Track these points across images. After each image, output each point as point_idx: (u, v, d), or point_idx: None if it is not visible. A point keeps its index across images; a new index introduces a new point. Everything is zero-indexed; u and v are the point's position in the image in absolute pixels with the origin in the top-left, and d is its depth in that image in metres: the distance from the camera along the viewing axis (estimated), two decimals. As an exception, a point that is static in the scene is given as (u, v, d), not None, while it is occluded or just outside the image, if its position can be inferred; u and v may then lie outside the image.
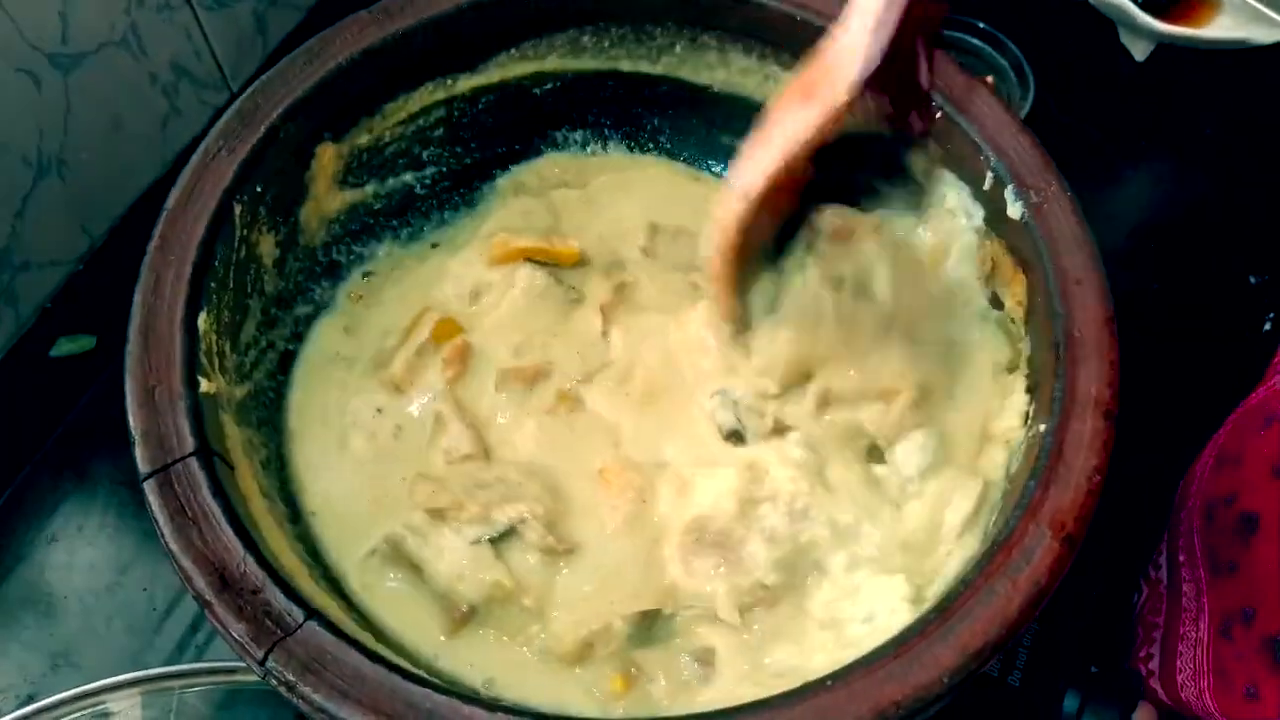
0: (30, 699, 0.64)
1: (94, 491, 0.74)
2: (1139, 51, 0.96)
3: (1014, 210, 0.58)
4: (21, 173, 0.73)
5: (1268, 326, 0.82)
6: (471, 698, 0.45)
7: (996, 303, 0.62)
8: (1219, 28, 0.93)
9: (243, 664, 0.46)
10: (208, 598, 0.46)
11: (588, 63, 0.70)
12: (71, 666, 0.68)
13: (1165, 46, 0.95)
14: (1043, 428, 0.52)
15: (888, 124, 0.58)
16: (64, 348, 0.78)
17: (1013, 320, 0.60)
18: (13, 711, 0.61)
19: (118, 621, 0.69)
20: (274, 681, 0.45)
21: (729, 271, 0.59)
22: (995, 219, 0.60)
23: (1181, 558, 0.66)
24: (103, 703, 0.61)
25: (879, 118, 0.57)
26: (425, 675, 0.47)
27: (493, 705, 0.45)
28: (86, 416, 0.77)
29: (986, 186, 0.60)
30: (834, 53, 0.54)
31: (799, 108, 0.54)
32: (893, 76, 0.54)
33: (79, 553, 0.72)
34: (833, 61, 0.54)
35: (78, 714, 0.61)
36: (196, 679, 0.62)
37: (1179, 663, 0.64)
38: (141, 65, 0.79)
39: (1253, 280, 0.85)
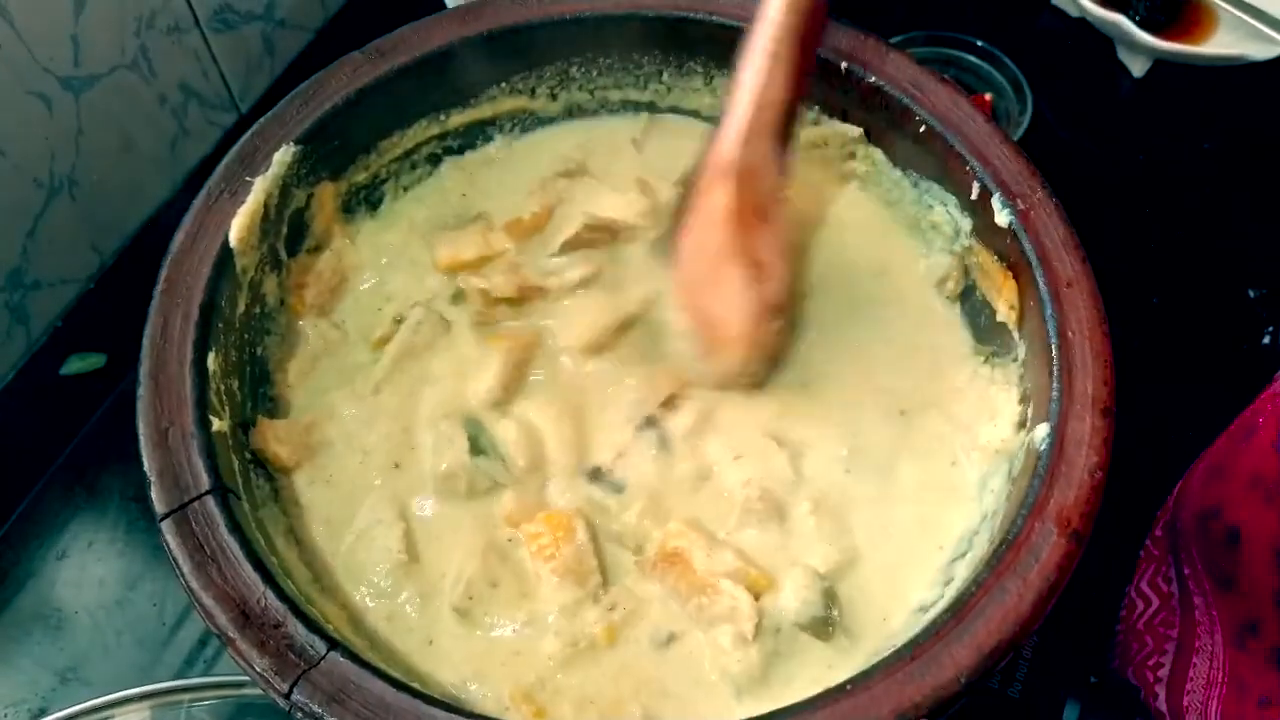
0: (41, 713, 0.65)
1: (104, 508, 0.75)
2: (1137, 68, 0.97)
3: (1001, 218, 0.58)
4: (33, 193, 0.73)
5: (1266, 340, 0.82)
6: None
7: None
8: (1216, 44, 0.93)
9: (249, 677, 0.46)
10: (230, 634, 0.46)
11: (576, 95, 0.71)
12: (81, 681, 0.68)
13: (1163, 63, 0.95)
14: (1042, 428, 0.53)
15: None
16: (74, 366, 0.79)
17: (1006, 325, 0.60)
18: (23, 725, 0.62)
19: (127, 636, 0.70)
20: (299, 714, 0.45)
21: None
22: (984, 228, 0.61)
23: (1186, 570, 0.66)
24: (112, 716, 0.61)
25: None
26: (450, 701, 0.46)
27: None
28: (97, 434, 0.78)
29: (974, 196, 0.60)
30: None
31: None
32: None
33: (89, 568, 0.72)
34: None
35: (88, 727, 0.61)
36: (205, 693, 0.62)
37: (1191, 672, 0.64)
38: (151, 87, 0.80)
39: (1251, 294, 0.85)
